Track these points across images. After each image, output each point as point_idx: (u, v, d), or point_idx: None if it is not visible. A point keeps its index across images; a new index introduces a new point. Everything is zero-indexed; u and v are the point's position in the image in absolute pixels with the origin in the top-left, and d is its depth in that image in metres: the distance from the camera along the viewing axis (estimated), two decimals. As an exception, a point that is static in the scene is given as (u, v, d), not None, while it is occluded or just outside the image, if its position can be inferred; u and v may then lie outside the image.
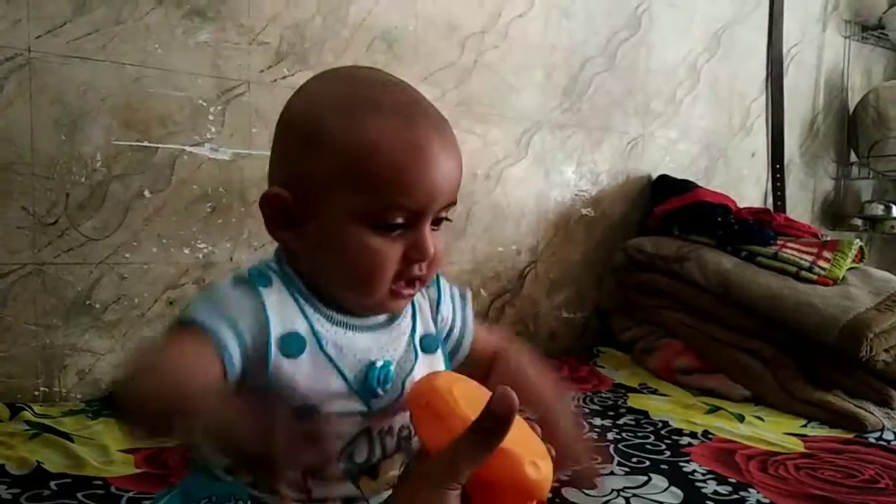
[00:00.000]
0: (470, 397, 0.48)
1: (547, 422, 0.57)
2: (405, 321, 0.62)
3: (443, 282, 0.66)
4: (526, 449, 0.49)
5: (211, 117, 1.29)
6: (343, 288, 0.56)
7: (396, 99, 0.55)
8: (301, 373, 0.54)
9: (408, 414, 0.58)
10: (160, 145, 1.25)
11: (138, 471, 0.94)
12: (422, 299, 0.64)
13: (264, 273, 0.57)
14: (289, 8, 1.35)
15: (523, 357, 0.69)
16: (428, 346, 0.62)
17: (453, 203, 0.57)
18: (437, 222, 0.57)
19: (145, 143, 1.24)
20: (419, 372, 0.60)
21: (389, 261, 0.54)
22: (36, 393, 1.18)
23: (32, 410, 1.11)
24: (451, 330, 0.67)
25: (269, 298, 0.54)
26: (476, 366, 0.67)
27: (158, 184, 1.25)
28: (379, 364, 0.57)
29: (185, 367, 0.50)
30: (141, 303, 1.26)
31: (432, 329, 0.64)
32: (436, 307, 0.65)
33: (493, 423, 0.46)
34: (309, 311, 0.56)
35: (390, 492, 0.58)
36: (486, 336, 0.70)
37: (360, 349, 0.57)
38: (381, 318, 0.60)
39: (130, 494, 0.86)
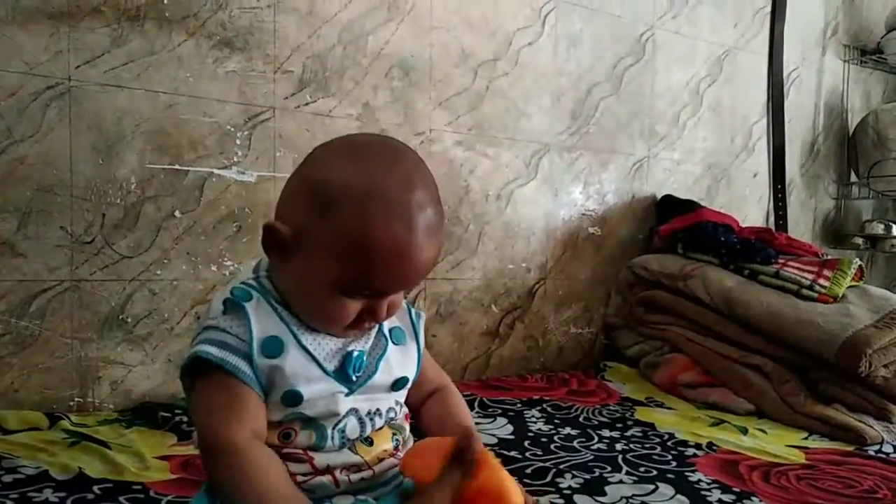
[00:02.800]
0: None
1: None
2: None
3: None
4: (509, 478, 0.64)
5: (238, 142, 1.36)
6: (308, 319, 0.66)
7: (404, 196, 0.62)
8: (286, 366, 0.64)
9: (392, 398, 0.71)
10: (190, 168, 1.32)
11: (173, 476, 1.00)
12: None
13: (245, 290, 0.66)
14: (311, 39, 1.42)
15: (458, 396, 0.81)
16: (398, 337, 0.73)
17: None
18: None
19: (176, 167, 1.31)
20: (392, 355, 0.71)
21: (349, 315, 0.65)
22: (71, 403, 1.24)
23: (69, 420, 1.17)
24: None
25: (251, 311, 0.64)
26: (418, 389, 0.76)
27: (188, 205, 1.32)
28: (355, 354, 0.67)
29: (242, 422, 0.61)
30: (170, 317, 1.32)
31: (398, 323, 0.74)
32: (407, 314, 0.76)
33: (463, 449, 0.62)
34: (286, 316, 0.66)
35: (391, 461, 0.69)
36: (435, 366, 0.81)
37: (334, 342, 0.67)
38: None
39: (169, 498, 0.91)
